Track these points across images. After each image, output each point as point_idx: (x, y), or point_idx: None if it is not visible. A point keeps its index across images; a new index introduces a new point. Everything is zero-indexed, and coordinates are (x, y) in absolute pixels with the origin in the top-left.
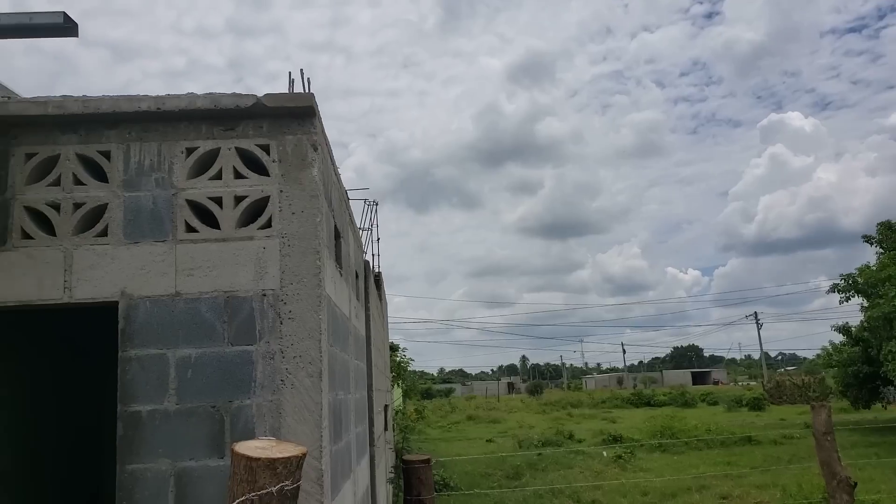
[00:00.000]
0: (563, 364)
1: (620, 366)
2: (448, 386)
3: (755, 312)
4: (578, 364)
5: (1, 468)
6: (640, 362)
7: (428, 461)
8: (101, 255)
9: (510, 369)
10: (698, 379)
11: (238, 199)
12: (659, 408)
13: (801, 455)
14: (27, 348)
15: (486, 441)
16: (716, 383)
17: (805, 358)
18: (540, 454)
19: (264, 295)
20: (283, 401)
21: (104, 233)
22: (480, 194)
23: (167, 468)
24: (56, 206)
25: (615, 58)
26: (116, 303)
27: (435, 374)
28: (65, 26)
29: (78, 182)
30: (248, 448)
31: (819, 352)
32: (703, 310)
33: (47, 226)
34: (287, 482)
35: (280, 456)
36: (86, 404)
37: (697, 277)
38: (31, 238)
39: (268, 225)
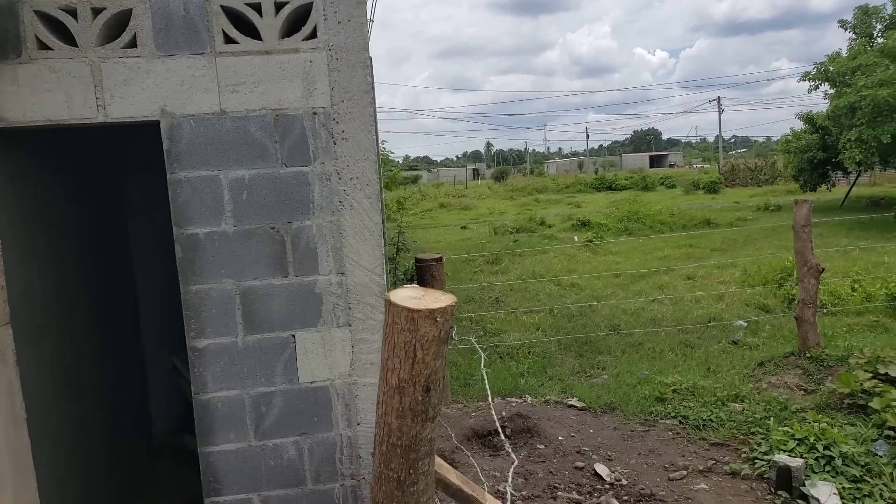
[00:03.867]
0: (527, 149)
1: (581, 150)
2: (415, 173)
3: (718, 97)
4: (541, 149)
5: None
6: (601, 146)
7: (440, 259)
8: (134, 69)
9: (475, 155)
10: (655, 162)
11: (279, 7)
12: (620, 191)
13: (755, 237)
14: (42, 169)
15: (461, 228)
16: (672, 166)
17: (756, 141)
18: (516, 240)
19: (315, 113)
20: (343, 221)
21: (133, 43)
22: None
23: (232, 287)
24: (72, 12)
25: None
26: (157, 122)
27: (400, 162)
28: None
29: None
30: (403, 298)
31: (772, 136)
32: (665, 96)
33: (66, 36)
34: (444, 329)
35: (438, 306)
36: (114, 220)
37: (664, 59)
38: (50, 49)
39: (313, 35)
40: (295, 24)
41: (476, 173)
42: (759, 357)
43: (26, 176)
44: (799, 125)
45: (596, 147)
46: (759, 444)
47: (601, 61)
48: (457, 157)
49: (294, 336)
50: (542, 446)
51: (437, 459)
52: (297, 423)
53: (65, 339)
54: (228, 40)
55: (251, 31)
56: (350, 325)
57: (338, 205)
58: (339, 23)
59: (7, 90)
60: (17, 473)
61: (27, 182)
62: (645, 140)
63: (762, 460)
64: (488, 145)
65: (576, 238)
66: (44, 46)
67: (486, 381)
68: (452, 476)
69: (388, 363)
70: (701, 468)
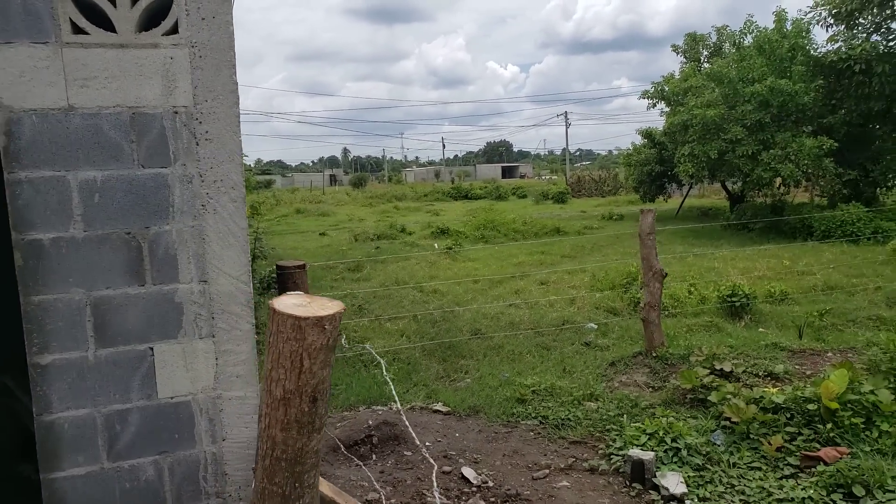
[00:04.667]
0: (385, 157)
1: (438, 159)
2: (268, 178)
3: (565, 112)
4: (399, 157)
5: None
6: (456, 156)
7: (303, 266)
8: None
9: (332, 161)
10: (507, 173)
11: None
12: (476, 201)
13: (602, 244)
14: None
15: (320, 234)
16: (522, 177)
17: (600, 154)
18: (378, 248)
19: (176, 112)
20: (205, 226)
21: None
22: None
23: (81, 297)
24: None
25: None
26: None
27: (252, 165)
28: None
29: None
30: (288, 306)
31: (613, 149)
32: (516, 109)
33: None
34: (332, 337)
35: (326, 314)
36: None
37: (516, 73)
38: None
39: (174, 31)
40: (154, 17)
41: (333, 179)
42: (610, 357)
43: None
44: (639, 140)
45: (452, 157)
46: (614, 441)
47: (456, 73)
48: (313, 162)
49: (152, 349)
50: (410, 453)
51: None
52: (157, 442)
53: None
54: (78, 30)
55: (105, 23)
56: (214, 336)
57: (200, 209)
58: (203, 19)
59: None
60: None
61: None
62: (497, 151)
63: (617, 455)
64: (346, 151)
65: (436, 245)
66: None
67: (392, 386)
68: (325, 488)
69: (273, 374)
70: (562, 466)
